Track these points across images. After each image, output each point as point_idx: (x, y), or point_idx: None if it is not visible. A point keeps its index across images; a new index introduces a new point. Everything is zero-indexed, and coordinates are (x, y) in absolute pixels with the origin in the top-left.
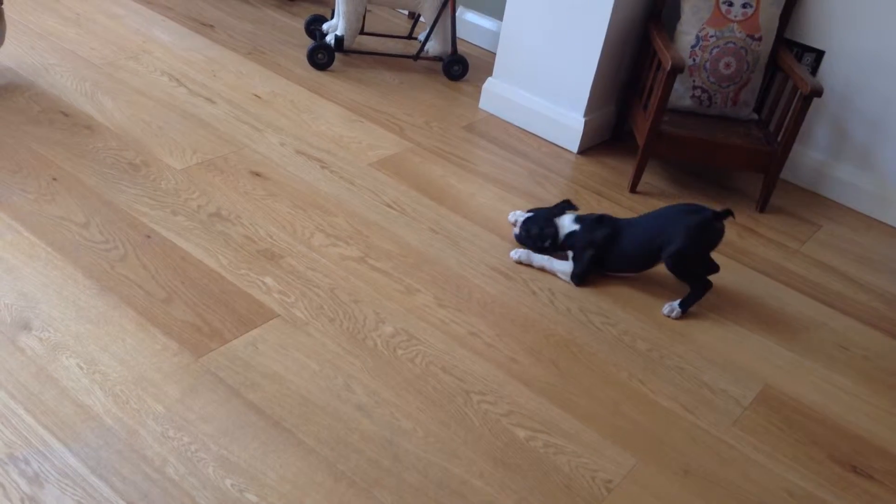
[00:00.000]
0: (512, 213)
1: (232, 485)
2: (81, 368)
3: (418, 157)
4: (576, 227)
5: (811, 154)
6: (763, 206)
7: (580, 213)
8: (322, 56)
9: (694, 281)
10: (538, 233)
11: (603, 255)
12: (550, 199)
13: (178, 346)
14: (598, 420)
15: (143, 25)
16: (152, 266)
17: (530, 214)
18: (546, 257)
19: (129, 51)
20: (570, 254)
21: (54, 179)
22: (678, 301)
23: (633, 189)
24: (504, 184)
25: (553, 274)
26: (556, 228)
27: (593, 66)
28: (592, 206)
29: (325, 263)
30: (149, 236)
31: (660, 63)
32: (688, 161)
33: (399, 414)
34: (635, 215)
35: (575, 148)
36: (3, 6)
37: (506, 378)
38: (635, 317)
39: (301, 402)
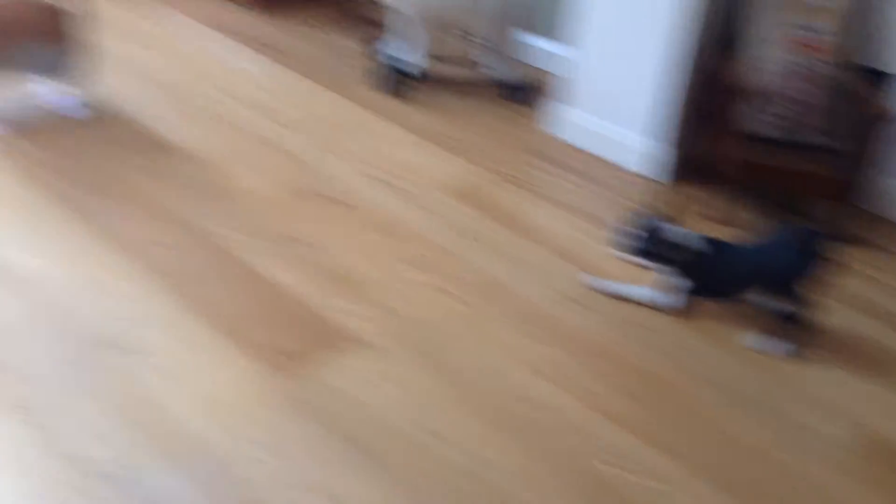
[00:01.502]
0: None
1: None
2: (168, 386)
3: (487, 182)
4: (686, 243)
5: (890, 181)
6: (846, 237)
7: (690, 230)
8: (392, 82)
9: (797, 306)
10: (644, 235)
11: (706, 281)
12: (620, 224)
13: (262, 369)
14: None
15: (227, 56)
16: (235, 289)
17: (636, 218)
18: (628, 284)
19: (213, 80)
20: (665, 278)
21: (144, 204)
22: (776, 337)
23: (710, 216)
24: (573, 208)
25: (637, 302)
26: (665, 237)
27: (668, 92)
28: None
29: (403, 291)
30: (232, 259)
31: (736, 90)
32: (767, 188)
33: (483, 444)
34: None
35: (650, 174)
36: (74, 31)
37: (584, 409)
38: (709, 344)
39: (380, 428)
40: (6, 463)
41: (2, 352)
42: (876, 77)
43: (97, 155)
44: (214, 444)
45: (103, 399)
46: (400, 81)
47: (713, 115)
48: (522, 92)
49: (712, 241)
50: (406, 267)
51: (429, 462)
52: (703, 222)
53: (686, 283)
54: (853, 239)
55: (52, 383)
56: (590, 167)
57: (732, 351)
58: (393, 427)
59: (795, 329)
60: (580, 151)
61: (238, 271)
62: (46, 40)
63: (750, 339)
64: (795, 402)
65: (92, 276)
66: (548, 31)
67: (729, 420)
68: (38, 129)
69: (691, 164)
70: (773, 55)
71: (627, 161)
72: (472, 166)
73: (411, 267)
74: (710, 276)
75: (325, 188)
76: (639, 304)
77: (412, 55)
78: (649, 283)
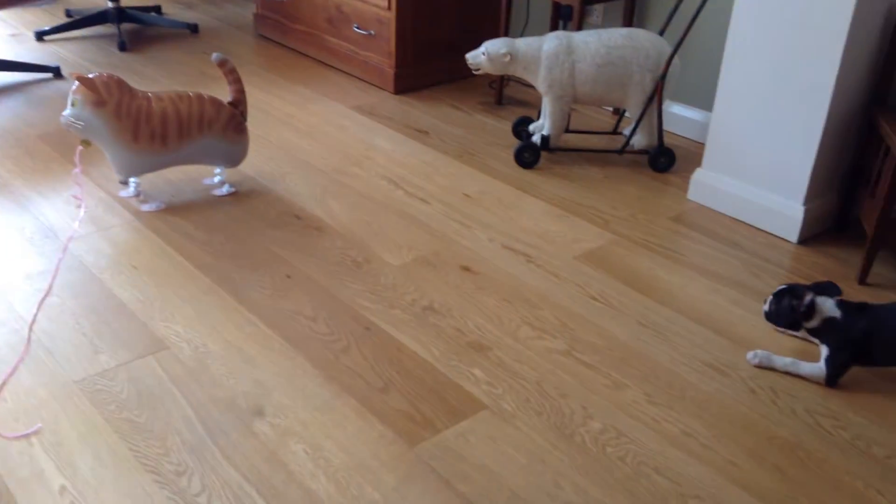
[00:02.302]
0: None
1: None
2: (307, 454)
3: (624, 249)
4: (837, 313)
5: None
6: None
7: (842, 298)
8: (528, 155)
9: None
10: (790, 304)
11: (865, 350)
12: (768, 290)
13: (394, 435)
14: None
15: (366, 135)
16: (371, 357)
17: (784, 287)
18: (791, 360)
19: (353, 158)
20: (823, 350)
21: (288, 277)
22: None
23: (861, 281)
24: (716, 275)
25: (799, 377)
26: (812, 305)
27: (813, 153)
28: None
29: (531, 356)
30: (368, 328)
31: (888, 149)
32: None
33: None
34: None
35: (794, 238)
36: (245, 123)
37: (725, 483)
38: (869, 419)
39: (511, 498)
40: None
41: (150, 419)
42: None
43: (244, 230)
44: None
45: (243, 465)
46: (539, 156)
47: (868, 175)
48: (666, 160)
49: (868, 311)
50: (535, 332)
51: None
52: (848, 287)
53: (842, 354)
54: None
55: (193, 448)
56: (733, 232)
57: (882, 420)
58: (520, 495)
59: None
60: (724, 216)
61: (377, 340)
62: (220, 134)
63: None
64: None
65: (236, 345)
66: (692, 98)
67: (880, 493)
68: (193, 206)
69: (843, 227)
70: None
71: (773, 226)
72: (608, 234)
73: (541, 332)
74: (872, 348)
75: (459, 258)
76: (805, 378)
77: (552, 129)
78: (810, 357)
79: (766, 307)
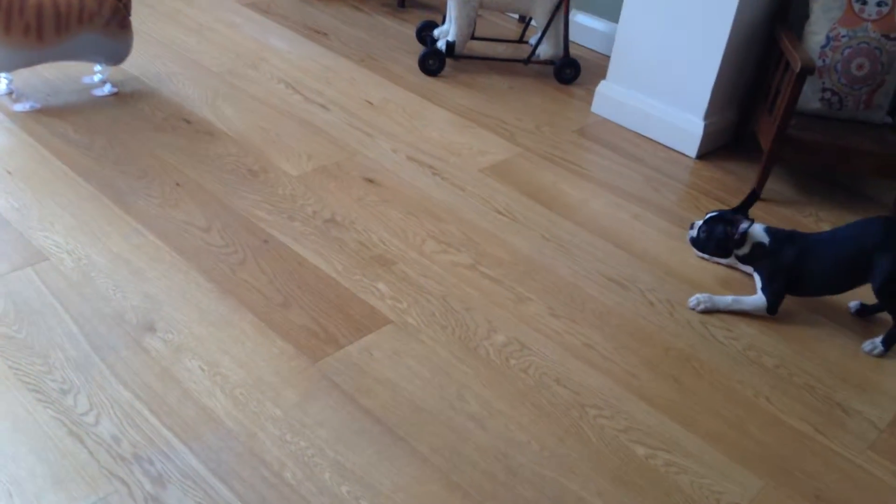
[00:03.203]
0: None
1: (348, 491)
2: (203, 370)
3: (529, 162)
4: (766, 239)
5: None
6: None
7: (770, 225)
8: (433, 62)
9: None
10: (724, 231)
11: (794, 278)
12: (668, 206)
13: (296, 351)
14: (722, 439)
15: (260, 34)
16: (270, 270)
17: (713, 214)
18: (731, 297)
19: (246, 59)
20: (757, 281)
21: (178, 185)
22: (880, 337)
23: (768, 200)
24: (619, 190)
25: (741, 312)
26: (745, 232)
27: (715, 68)
28: None
29: (436, 270)
30: (266, 241)
31: (787, 65)
32: (816, 167)
33: (513, 426)
34: (823, 228)
35: (693, 153)
36: (130, 18)
37: (623, 392)
38: (760, 330)
39: (415, 410)
40: (30, 441)
41: (30, 335)
42: None
43: (128, 134)
44: (241, 424)
45: (133, 383)
46: (444, 63)
47: (766, 91)
48: (571, 71)
49: (797, 239)
50: (441, 246)
51: (460, 444)
52: (757, 205)
53: (776, 282)
54: None
55: (79, 366)
56: (636, 147)
57: (772, 331)
58: (424, 408)
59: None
60: (626, 130)
61: (275, 253)
62: (102, 30)
63: (864, 344)
64: (833, 379)
65: (123, 257)
66: (599, 8)
67: (768, 400)
68: (71, 107)
69: (741, 142)
70: (832, 29)
71: (674, 141)
72: (514, 146)
73: (446, 246)
74: (800, 277)
75: (362, 169)
76: (748, 312)
77: (458, 36)
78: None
79: (692, 233)
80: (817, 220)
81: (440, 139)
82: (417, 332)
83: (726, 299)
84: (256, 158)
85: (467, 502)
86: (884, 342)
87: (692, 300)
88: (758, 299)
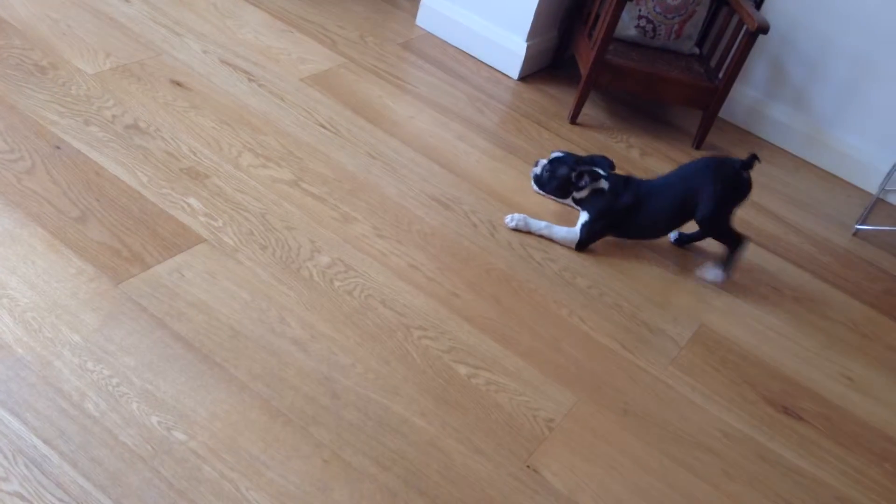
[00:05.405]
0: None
1: (158, 422)
2: None
3: (353, 74)
4: (605, 185)
5: (748, 92)
6: (699, 144)
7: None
8: None
9: (731, 238)
10: (568, 174)
11: (622, 223)
12: (490, 126)
13: (95, 271)
14: (539, 357)
15: None
16: (63, 180)
17: (560, 155)
18: (544, 223)
19: None
20: (582, 216)
21: None
22: (720, 266)
23: (573, 120)
24: (443, 108)
25: (550, 239)
26: (586, 178)
27: None
28: (532, 135)
29: (254, 186)
30: (59, 147)
31: None
32: (629, 93)
33: (336, 349)
34: (650, 176)
35: (515, 74)
36: None
37: (447, 313)
38: (575, 252)
39: (232, 335)
40: None
41: None
42: None
43: None
44: (34, 351)
45: None
46: None
47: (586, 16)
48: None
49: (632, 186)
50: (259, 160)
51: (281, 368)
52: (561, 126)
53: (599, 223)
54: (757, 159)
55: None
56: (459, 64)
57: (586, 254)
58: (243, 333)
59: (738, 250)
60: (451, 47)
61: (69, 161)
62: None
63: (706, 273)
64: (640, 299)
65: None
66: None
67: (581, 319)
68: None
69: (560, 65)
70: None
71: (496, 60)
72: (337, 56)
73: (265, 160)
74: (630, 223)
75: (169, 70)
76: (557, 242)
77: None
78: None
79: (536, 170)
80: (628, 146)
81: (256, 42)
82: (234, 252)
83: (540, 224)
84: (45, 53)
85: (289, 429)
86: (726, 268)
87: (508, 218)
88: (571, 231)
